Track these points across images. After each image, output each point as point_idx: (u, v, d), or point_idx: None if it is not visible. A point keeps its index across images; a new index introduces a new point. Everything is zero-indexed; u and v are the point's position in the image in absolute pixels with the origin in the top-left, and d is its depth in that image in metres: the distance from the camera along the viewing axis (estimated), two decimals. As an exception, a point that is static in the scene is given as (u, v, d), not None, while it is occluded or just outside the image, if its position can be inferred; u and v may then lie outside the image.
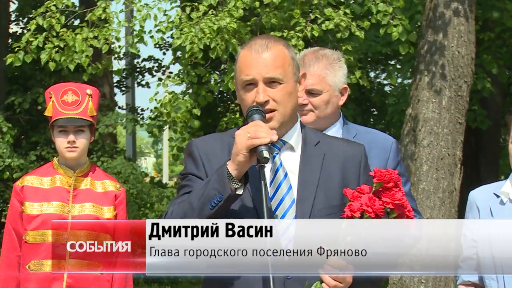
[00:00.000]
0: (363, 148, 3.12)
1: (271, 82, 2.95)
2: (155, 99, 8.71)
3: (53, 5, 8.14)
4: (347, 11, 8.44)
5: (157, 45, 15.27)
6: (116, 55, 8.40)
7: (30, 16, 15.62)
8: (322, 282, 2.80)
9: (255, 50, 2.97)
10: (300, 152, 3.02)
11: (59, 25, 8.07)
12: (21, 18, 15.83)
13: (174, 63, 12.89)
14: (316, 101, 3.80)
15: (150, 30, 8.37)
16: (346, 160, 3.03)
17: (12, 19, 15.62)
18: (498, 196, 3.68)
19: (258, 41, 3.00)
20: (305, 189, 2.95)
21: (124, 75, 15.56)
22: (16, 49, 8.15)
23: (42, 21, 8.05)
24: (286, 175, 2.96)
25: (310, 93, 3.81)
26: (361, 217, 2.74)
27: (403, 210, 2.78)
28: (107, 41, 8.16)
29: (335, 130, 3.87)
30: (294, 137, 3.02)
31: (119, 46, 8.73)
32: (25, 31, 15.53)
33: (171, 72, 15.53)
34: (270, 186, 2.93)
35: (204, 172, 2.97)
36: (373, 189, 2.77)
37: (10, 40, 14.44)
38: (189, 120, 8.34)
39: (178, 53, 11.05)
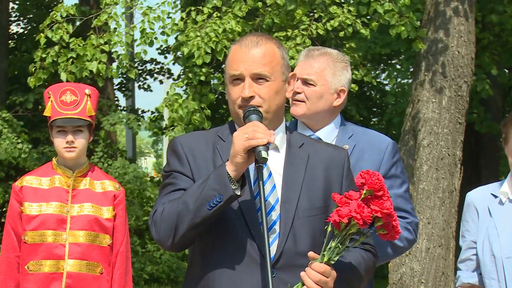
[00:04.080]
0: (346, 152, 3.13)
1: (258, 78, 2.95)
2: (166, 105, 8.63)
3: (59, 15, 8.12)
4: (351, 8, 8.41)
5: (160, 49, 15.28)
6: (121, 59, 8.33)
7: (31, 16, 15.67)
8: (303, 284, 2.80)
9: (245, 45, 2.97)
10: (285, 152, 3.02)
11: (68, 35, 8.05)
12: (21, 18, 15.84)
13: (174, 63, 12.92)
14: (309, 91, 3.80)
15: (155, 32, 8.32)
16: (329, 163, 3.04)
17: (13, 19, 15.62)
18: (495, 197, 3.68)
19: (250, 37, 3.01)
20: (289, 189, 2.95)
21: (124, 77, 15.55)
22: (33, 69, 8.12)
23: (51, 34, 8.03)
24: (270, 174, 2.95)
25: (306, 82, 3.82)
26: (348, 223, 2.72)
27: (390, 220, 2.76)
28: (121, 46, 8.15)
29: (330, 130, 3.86)
30: (279, 137, 3.01)
31: (129, 49, 8.69)
32: (25, 32, 15.62)
33: (172, 73, 15.55)
34: (253, 186, 2.93)
35: (189, 169, 2.96)
36: (362, 196, 2.75)
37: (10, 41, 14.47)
38: (202, 121, 8.25)
39: (179, 53, 11.01)
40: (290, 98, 3.87)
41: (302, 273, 2.80)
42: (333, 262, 2.79)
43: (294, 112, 3.85)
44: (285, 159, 3.00)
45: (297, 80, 3.85)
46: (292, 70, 3.90)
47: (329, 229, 2.77)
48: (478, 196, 3.74)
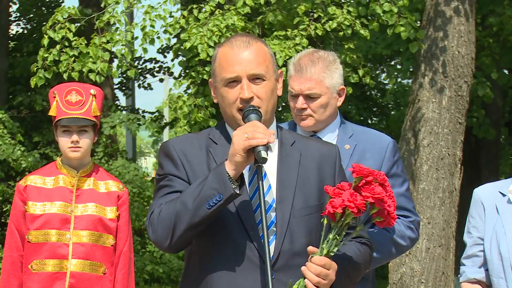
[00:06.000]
0: (337, 148, 3.13)
1: (254, 79, 2.94)
2: (169, 104, 8.59)
3: (60, 16, 8.12)
4: (351, 9, 8.41)
5: (160, 49, 15.26)
6: (122, 57, 8.31)
7: (31, 16, 15.66)
8: (305, 278, 2.79)
9: (237, 46, 2.95)
10: (277, 152, 3.01)
11: (71, 33, 8.04)
12: (21, 18, 15.82)
13: (173, 60, 12.89)
14: (314, 105, 3.80)
15: (157, 31, 8.31)
16: (321, 160, 3.04)
17: (12, 19, 15.61)
18: (503, 195, 3.66)
19: (239, 38, 2.99)
20: (284, 189, 2.94)
21: (124, 76, 15.53)
22: (35, 69, 8.12)
23: (54, 34, 8.03)
24: (265, 175, 2.94)
25: (309, 97, 3.80)
26: (343, 213, 2.74)
27: (383, 205, 2.78)
28: (122, 44, 8.14)
29: (331, 131, 3.87)
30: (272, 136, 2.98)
31: (131, 48, 8.68)
32: (25, 32, 15.61)
33: (172, 72, 15.53)
34: (249, 186, 2.93)
35: (184, 173, 2.95)
36: (353, 185, 2.77)
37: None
38: (206, 119, 8.22)
39: (179, 53, 10.99)
40: (293, 114, 3.88)
41: (303, 268, 2.79)
42: (332, 254, 2.79)
43: (304, 125, 3.83)
44: (278, 159, 2.99)
45: (299, 97, 3.83)
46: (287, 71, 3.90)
47: (325, 222, 2.77)
48: (485, 193, 3.71)
